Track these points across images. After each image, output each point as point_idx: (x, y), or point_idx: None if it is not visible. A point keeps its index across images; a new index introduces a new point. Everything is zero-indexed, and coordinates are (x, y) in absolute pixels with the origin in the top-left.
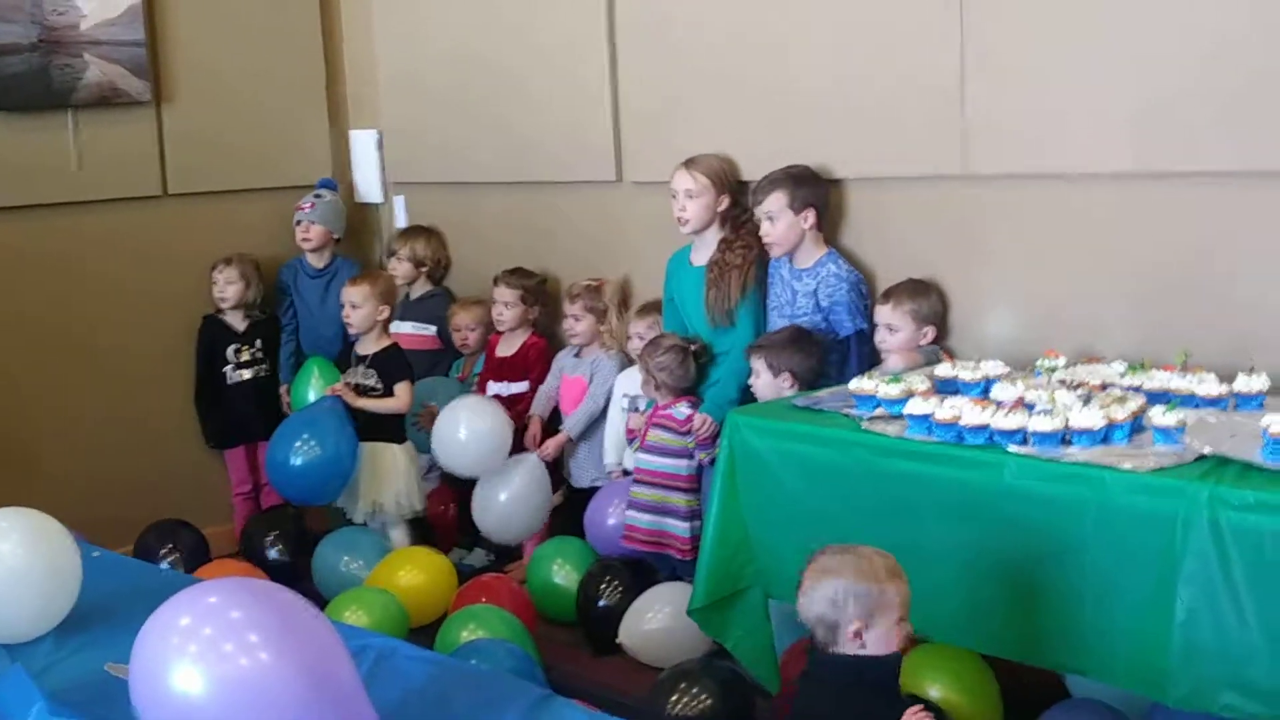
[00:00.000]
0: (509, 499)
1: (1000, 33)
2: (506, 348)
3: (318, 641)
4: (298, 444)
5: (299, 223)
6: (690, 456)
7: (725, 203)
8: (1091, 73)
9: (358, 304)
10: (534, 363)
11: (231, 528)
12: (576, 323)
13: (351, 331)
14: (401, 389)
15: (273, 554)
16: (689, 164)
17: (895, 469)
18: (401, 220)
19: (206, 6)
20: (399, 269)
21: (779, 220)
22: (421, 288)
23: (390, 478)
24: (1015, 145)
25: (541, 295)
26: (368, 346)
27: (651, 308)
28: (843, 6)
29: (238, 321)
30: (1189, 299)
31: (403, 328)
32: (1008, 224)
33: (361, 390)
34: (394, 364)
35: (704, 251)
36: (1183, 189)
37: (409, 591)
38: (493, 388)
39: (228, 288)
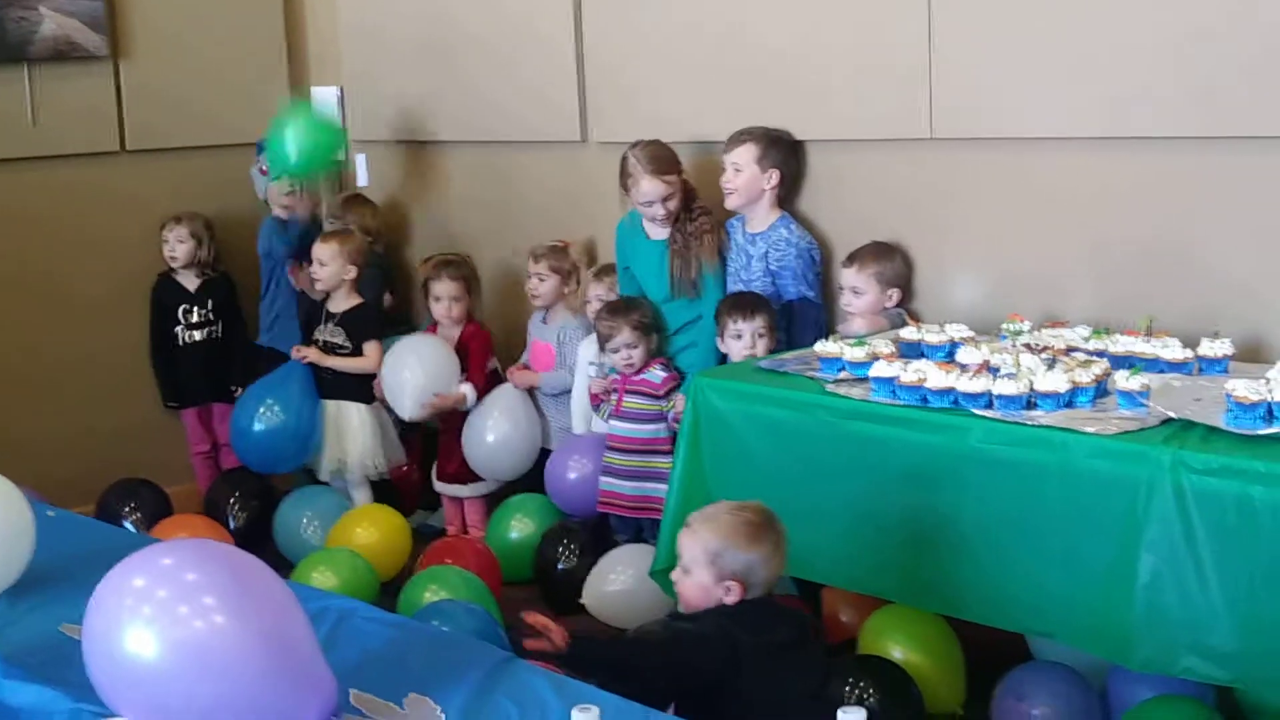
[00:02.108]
0: (497, 440)
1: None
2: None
3: (274, 604)
4: (261, 410)
5: (290, 192)
6: (663, 412)
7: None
8: (1058, 38)
9: (325, 262)
10: (475, 354)
11: (194, 487)
12: (541, 283)
13: (319, 288)
14: (370, 348)
15: (236, 518)
16: (655, 170)
17: (859, 432)
18: (363, 179)
19: None
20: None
21: (744, 172)
22: None
23: (356, 437)
24: (981, 109)
25: (476, 281)
26: (338, 304)
27: (608, 270)
28: None
29: (190, 281)
30: (1153, 264)
31: None
32: (973, 188)
33: (329, 348)
34: (363, 323)
35: (659, 226)
36: (1148, 154)
37: (363, 550)
38: None
39: (178, 246)
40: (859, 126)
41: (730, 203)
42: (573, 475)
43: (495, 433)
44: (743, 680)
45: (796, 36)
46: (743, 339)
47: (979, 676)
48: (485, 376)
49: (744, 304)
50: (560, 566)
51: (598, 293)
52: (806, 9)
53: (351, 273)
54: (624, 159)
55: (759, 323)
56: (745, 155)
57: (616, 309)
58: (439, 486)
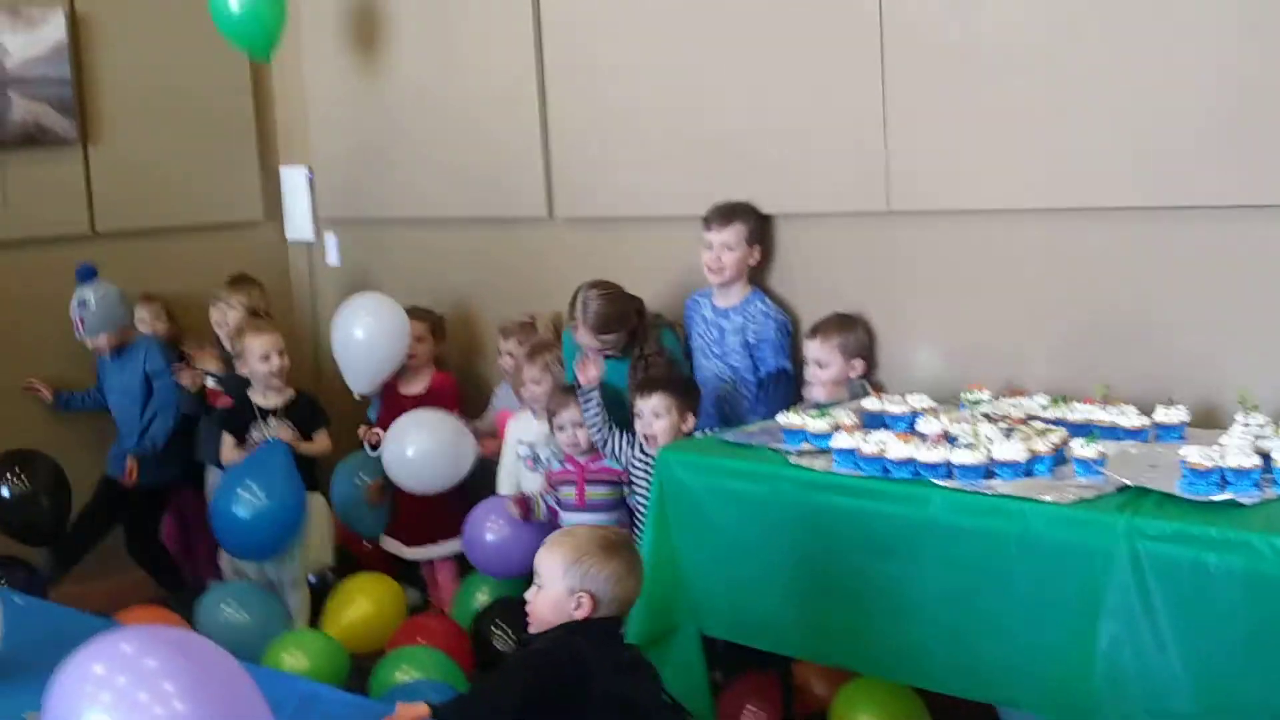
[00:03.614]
0: (417, 453)
1: (922, 75)
2: (414, 385)
3: (234, 691)
4: (245, 494)
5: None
6: (624, 498)
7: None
8: (1011, 112)
9: (284, 350)
10: (449, 401)
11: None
12: (512, 359)
13: (276, 383)
14: (322, 435)
15: None
16: (594, 329)
17: (822, 503)
18: (333, 258)
19: (133, 43)
20: (229, 316)
21: (735, 250)
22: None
23: (317, 528)
24: (938, 182)
25: (444, 330)
26: (272, 399)
27: (540, 348)
28: (767, 49)
29: None
30: (1109, 333)
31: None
32: (932, 260)
33: None
34: (312, 411)
35: None
36: (1102, 225)
37: (360, 623)
38: None
39: (155, 324)
40: (818, 200)
41: (715, 280)
42: (490, 537)
43: (415, 447)
44: (593, 691)
45: (755, 112)
46: (642, 418)
47: None
48: None
49: (643, 383)
50: (495, 646)
51: (531, 374)
52: (766, 87)
53: (285, 362)
54: (576, 294)
55: (655, 402)
56: (736, 234)
57: (566, 389)
58: (409, 553)
